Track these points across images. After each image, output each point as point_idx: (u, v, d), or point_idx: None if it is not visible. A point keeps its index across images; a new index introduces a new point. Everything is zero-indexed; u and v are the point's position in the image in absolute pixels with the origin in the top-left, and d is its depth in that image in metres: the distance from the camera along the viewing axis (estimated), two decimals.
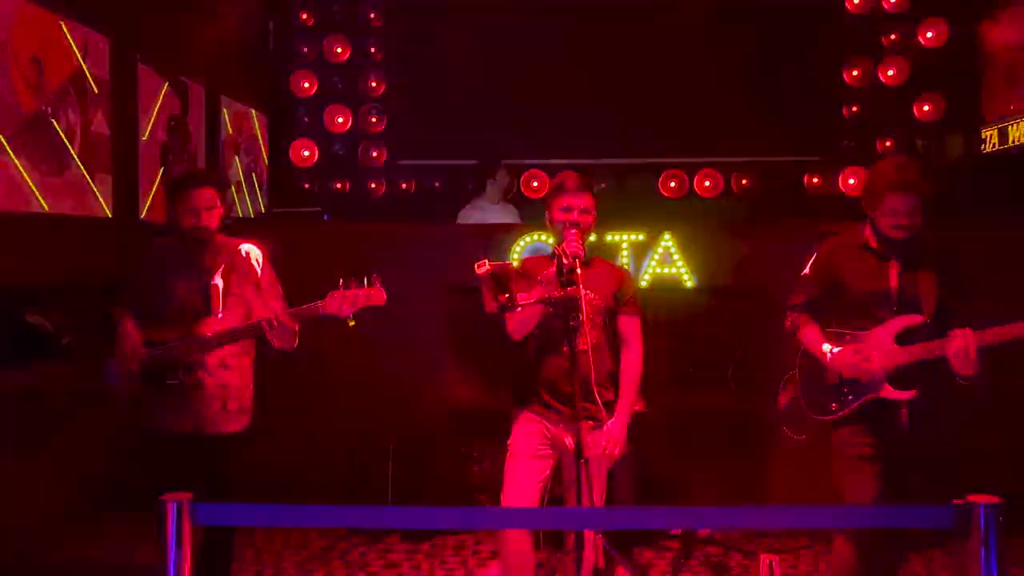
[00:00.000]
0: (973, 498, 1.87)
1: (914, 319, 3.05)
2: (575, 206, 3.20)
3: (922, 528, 2.97)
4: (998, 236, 4.69)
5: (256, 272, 3.43)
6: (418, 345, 5.00)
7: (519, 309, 2.91)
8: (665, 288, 5.00)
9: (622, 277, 3.36)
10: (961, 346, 2.85)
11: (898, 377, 3.02)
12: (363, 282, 3.13)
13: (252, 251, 3.47)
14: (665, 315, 4.99)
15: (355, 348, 4.80)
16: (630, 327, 3.28)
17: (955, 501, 1.88)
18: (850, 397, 3.11)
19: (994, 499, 1.86)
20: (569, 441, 3.06)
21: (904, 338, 3.04)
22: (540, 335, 3.17)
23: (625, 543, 4.01)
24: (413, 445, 4.84)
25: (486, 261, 2.92)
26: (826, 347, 3.15)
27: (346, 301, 3.13)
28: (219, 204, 3.37)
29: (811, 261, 3.33)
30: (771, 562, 3.91)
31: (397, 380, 4.90)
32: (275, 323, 3.19)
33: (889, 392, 3.03)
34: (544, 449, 3.20)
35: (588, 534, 3.04)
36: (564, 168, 7.01)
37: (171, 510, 1.97)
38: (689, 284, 5.00)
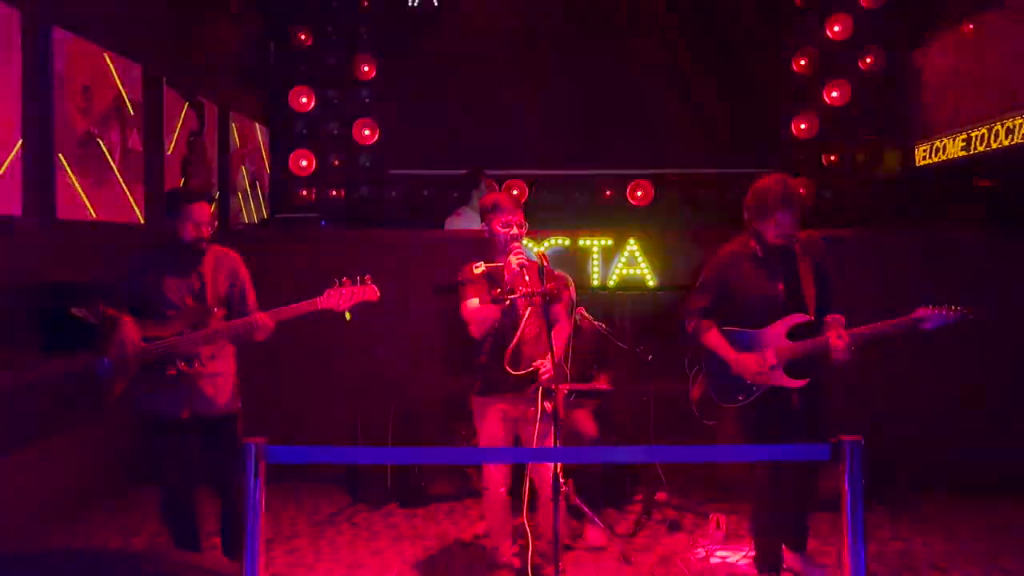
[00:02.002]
0: (843, 438, 2.57)
1: (802, 318, 3.64)
2: (513, 222, 3.77)
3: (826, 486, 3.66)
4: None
5: (239, 276, 3.91)
6: (407, 339, 5.64)
7: (507, 303, 3.56)
8: (630, 287, 5.69)
9: (547, 271, 3.79)
10: (839, 345, 3.51)
11: (791, 368, 3.64)
12: (356, 281, 3.67)
13: (235, 258, 3.94)
14: (629, 311, 5.69)
15: (352, 342, 5.45)
16: (560, 311, 3.93)
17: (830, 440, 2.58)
18: (753, 387, 3.71)
19: (858, 439, 2.55)
20: (524, 410, 3.76)
21: (794, 334, 3.64)
22: (494, 331, 3.74)
23: (595, 504, 4.66)
24: (404, 425, 5.48)
25: (482, 263, 3.58)
26: (730, 353, 3.68)
27: (342, 297, 3.67)
28: (213, 217, 3.82)
29: (706, 270, 3.85)
30: (718, 519, 4.62)
31: (389, 370, 5.56)
32: (262, 323, 3.71)
33: (784, 381, 3.64)
34: (504, 425, 3.83)
35: (561, 503, 3.73)
36: (541, 177, 7.77)
37: (250, 450, 2.58)
38: (651, 283, 5.69)
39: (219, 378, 3.84)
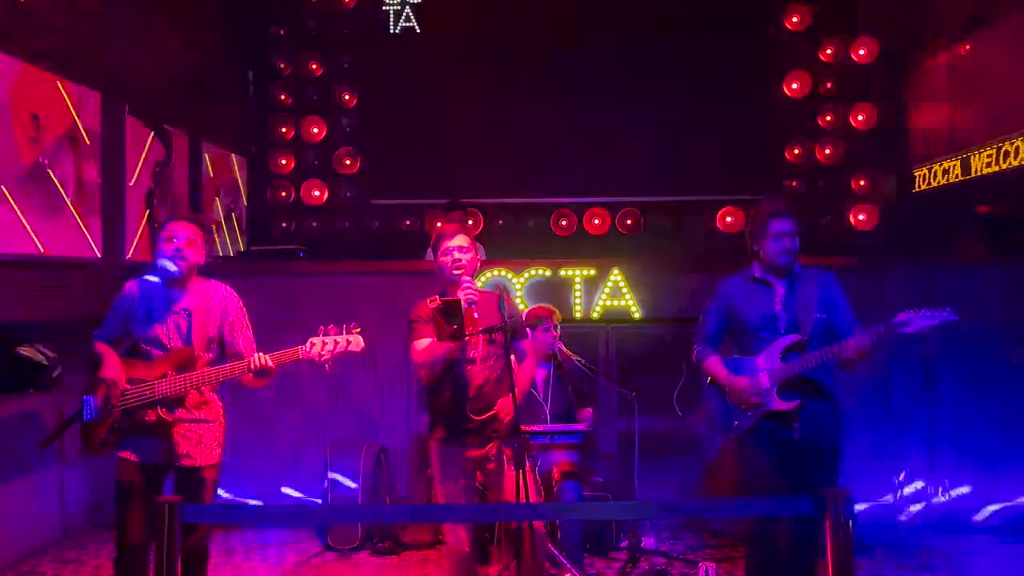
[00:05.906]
0: (827, 491, 2.31)
1: (793, 338, 3.52)
2: (452, 247, 3.44)
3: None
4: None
5: (231, 315, 3.57)
6: (382, 375, 5.36)
7: (466, 341, 3.29)
8: (615, 319, 5.42)
9: (504, 305, 3.50)
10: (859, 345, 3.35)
11: (784, 390, 3.50)
12: (342, 330, 3.31)
13: (228, 294, 3.62)
14: (615, 344, 5.41)
15: (325, 376, 5.16)
16: (525, 348, 3.61)
17: (813, 494, 2.32)
18: (749, 413, 3.56)
19: (842, 491, 2.29)
20: (487, 457, 3.47)
21: (787, 356, 3.52)
22: (449, 373, 3.42)
23: (576, 550, 4.35)
24: (377, 465, 5.20)
25: (437, 297, 3.32)
26: (726, 374, 3.60)
27: (325, 348, 3.29)
28: (200, 242, 3.51)
29: (711, 298, 3.79)
30: (707, 568, 4.31)
31: (363, 406, 5.29)
32: (261, 366, 3.34)
33: (778, 404, 3.49)
34: (465, 474, 3.51)
35: (533, 545, 3.43)
36: (528, 207, 7.55)
37: (163, 511, 2.33)
38: (637, 315, 5.42)
39: (204, 427, 3.50)
